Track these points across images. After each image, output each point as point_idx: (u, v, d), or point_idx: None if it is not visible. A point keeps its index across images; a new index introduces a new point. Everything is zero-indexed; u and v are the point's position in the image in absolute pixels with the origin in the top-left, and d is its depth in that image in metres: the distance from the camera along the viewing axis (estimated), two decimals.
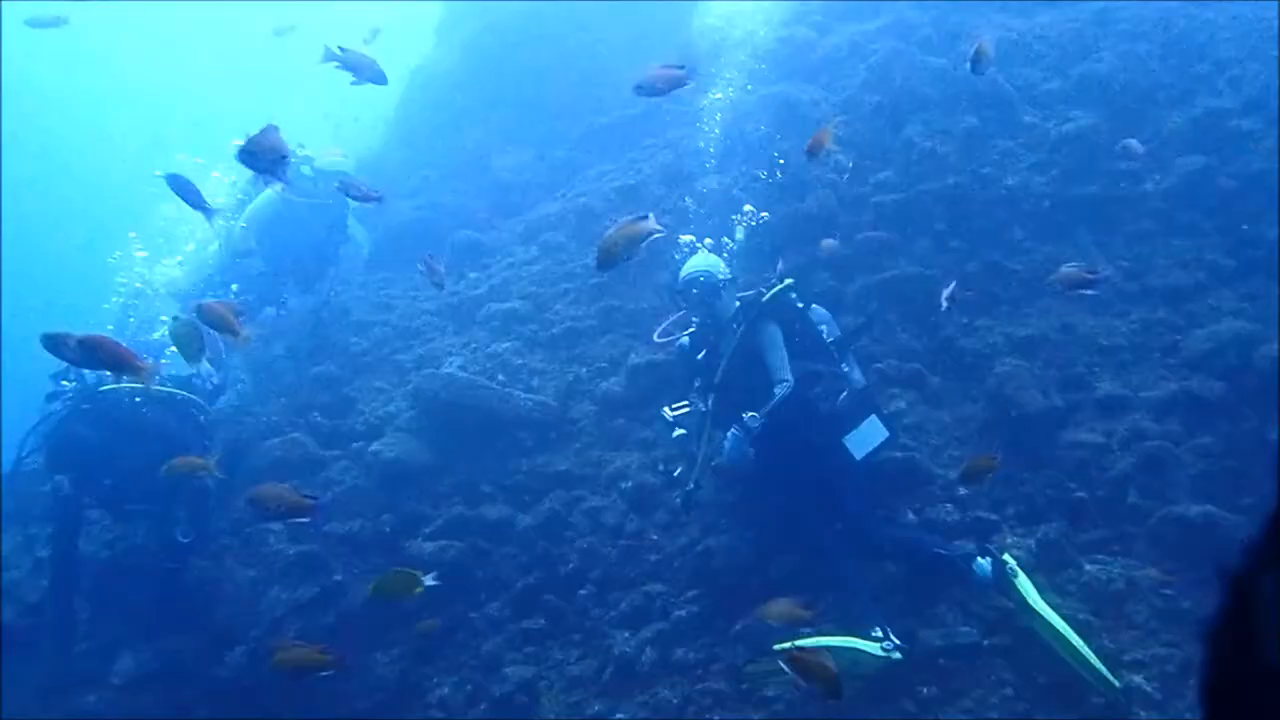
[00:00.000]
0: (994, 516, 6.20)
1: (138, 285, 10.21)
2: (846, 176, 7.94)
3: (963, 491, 6.36)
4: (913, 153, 8.66)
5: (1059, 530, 5.98)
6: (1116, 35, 9.36)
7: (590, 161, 11.87)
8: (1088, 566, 5.78)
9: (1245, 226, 7.49)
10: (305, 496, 5.39)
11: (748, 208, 8.13)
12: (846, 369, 6.49)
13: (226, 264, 10.01)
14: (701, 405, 6.37)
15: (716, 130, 9.99)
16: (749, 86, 10.33)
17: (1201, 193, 7.84)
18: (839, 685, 4.40)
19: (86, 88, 39.25)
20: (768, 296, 6.41)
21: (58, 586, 7.12)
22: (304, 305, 10.29)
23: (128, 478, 6.96)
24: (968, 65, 5.49)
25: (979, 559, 5.45)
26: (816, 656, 4.56)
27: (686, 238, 7.24)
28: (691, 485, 6.39)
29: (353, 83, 5.90)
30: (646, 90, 5.14)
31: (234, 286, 9.74)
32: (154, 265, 10.33)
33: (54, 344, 4.74)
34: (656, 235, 4.77)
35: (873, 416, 6.15)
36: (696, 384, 6.59)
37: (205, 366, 8.33)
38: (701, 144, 9.82)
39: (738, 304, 6.60)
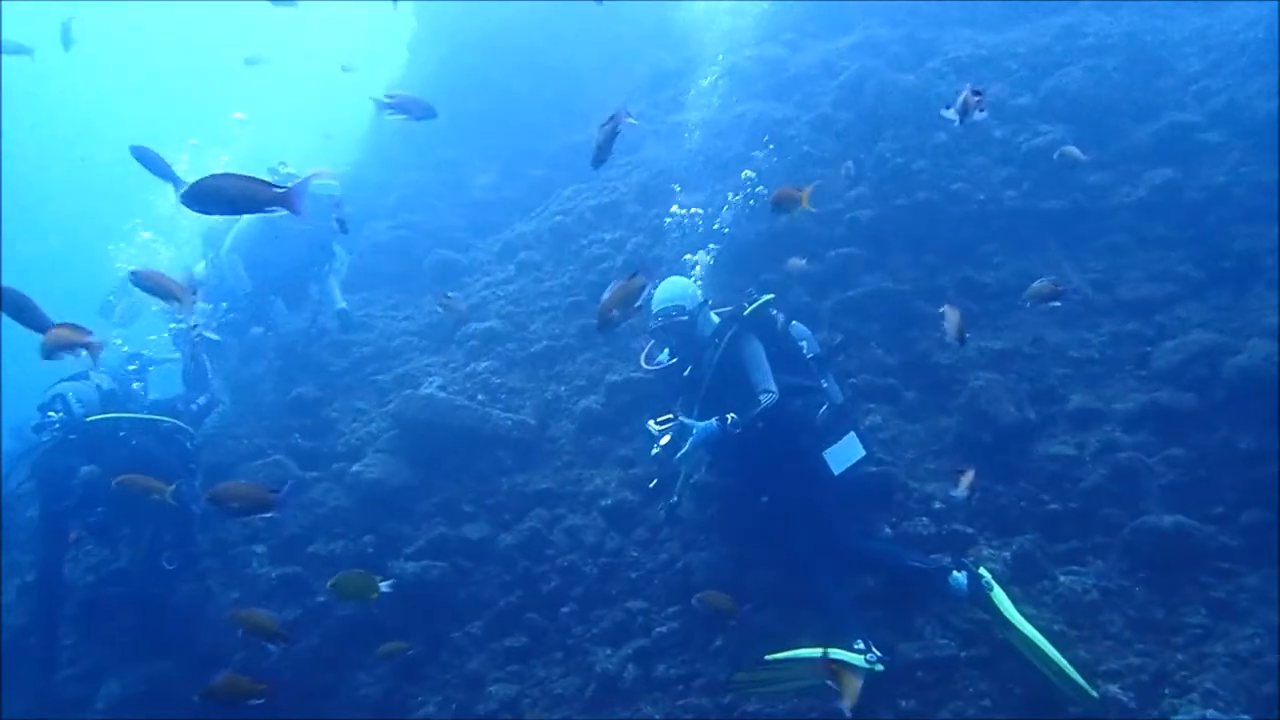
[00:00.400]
0: (969, 530, 6.27)
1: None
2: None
3: (938, 505, 6.44)
4: (885, 169, 8.76)
5: (1033, 542, 6.06)
6: (1083, 50, 9.48)
7: (566, 179, 11.92)
8: (1062, 578, 5.85)
9: (1213, 238, 7.61)
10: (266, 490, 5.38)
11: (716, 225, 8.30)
12: (825, 385, 6.56)
13: (214, 283, 10.00)
14: (685, 420, 6.43)
15: (692, 148, 10.08)
16: (721, 104, 10.43)
17: (1170, 205, 7.96)
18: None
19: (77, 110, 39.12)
20: (749, 310, 6.46)
21: (42, 613, 7.13)
22: (290, 325, 10.28)
23: (116, 506, 6.97)
24: (954, 115, 5.54)
25: (955, 573, 5.51)
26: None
27: (690, 257, 7.33)
28: (674, 499, 6.50)
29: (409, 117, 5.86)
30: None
31: (223, 304, 9.74)
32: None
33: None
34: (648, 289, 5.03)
35: (851, 434, 6.24)
36: (680, 400, 6.65)
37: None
38: (676, 162, 9.89)
39: (716, 320, 6.67)
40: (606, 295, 4.68)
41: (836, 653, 5.31)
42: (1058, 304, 6.39)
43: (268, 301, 10.02)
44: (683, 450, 6.22)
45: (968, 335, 7.24)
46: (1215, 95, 8.61)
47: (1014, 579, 5.84)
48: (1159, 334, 7.20)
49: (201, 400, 8.83)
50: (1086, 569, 5.90)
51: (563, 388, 8.52)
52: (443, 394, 8.18)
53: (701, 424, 6.12)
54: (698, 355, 6.60)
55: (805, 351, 6.63)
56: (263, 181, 3.81)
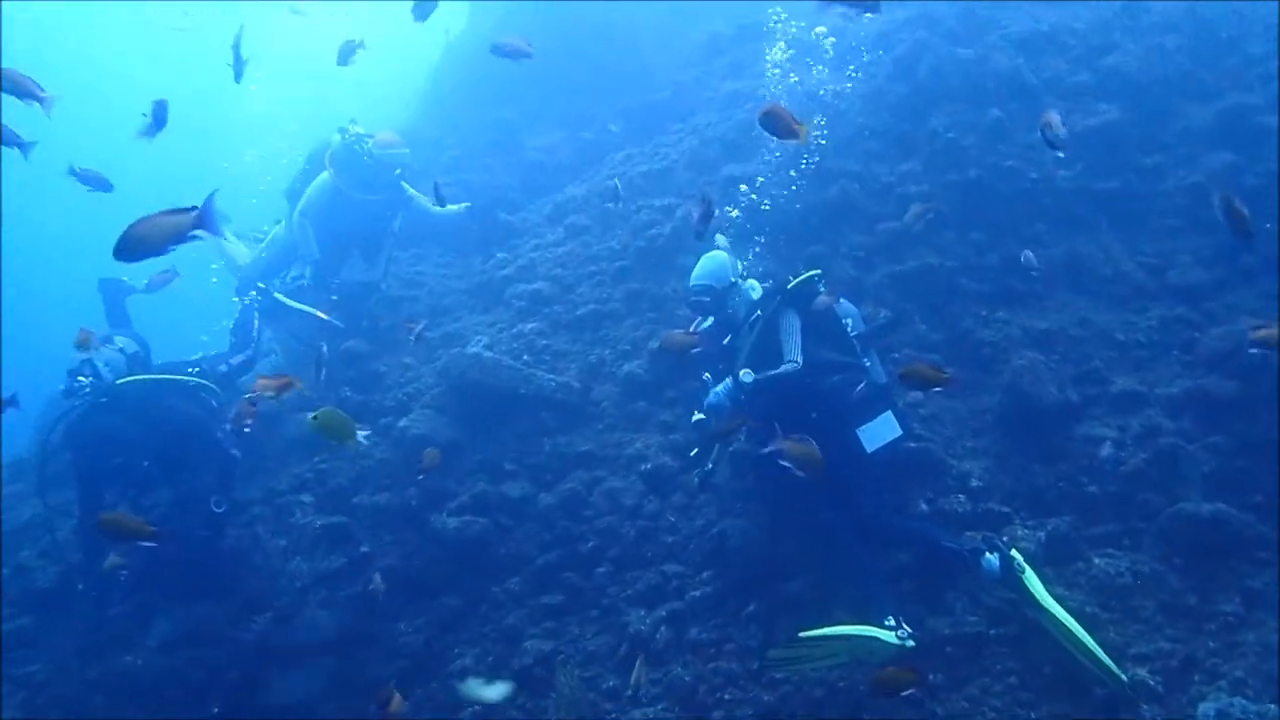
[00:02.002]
0: (1005, 509, 6.31)
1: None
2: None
3: (975, 483, 6.48)
4: (937, 144, 8.72)
5: (1069, 524, 6.09)
6: (1145, 28, 9.36)
7: (618, 143, 11.96)
8: (1096, 560, 5.88)
9: (1269, 225, 7.51)
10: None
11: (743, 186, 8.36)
12: (869, 364, 6.55)
13: (286, 246, 10.24)
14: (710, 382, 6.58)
15: (743, 117, 10.06)
16: (775, 74, 10.39)
17: (1227, 189, 7.85)
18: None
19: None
20: (792, 285, 6.52)
21: (90, 552, 7.39)
22: (359, 279, 10.45)
23: (154, 460, 7.23)
24: (1041, 135, 5.51)
25: (987, 554, 5.53)
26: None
27: (721, 239, 7.37)
28: (709, 466, 6.60)
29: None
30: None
31: (293, 272, 9.93)
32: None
33: None
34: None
35: (888, 413, 6.21)
36: (719, 368, 6.74)
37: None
38: (728, 131, 9.88)
39: (756, 295, 6.75)
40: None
41: (868, 630, 5.39)
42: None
43: (337, 266, 10.20)
44: (699, 414, 6.52)
45: (1001, 314, 7.28)
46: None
47: (1048, 559, 5.89)
48: (1207, 320, 7.16)
49: (237, 359, 9.02)
50: (1121, 552, 5.93)
51: (607, 351, 8.60)
52: (489, 354, 8.29)
53: (712, 395, 6.34)
54: (736, 327, 6.72)
55: (850, 329, 6.63)
56: (180, 210, 4.01)
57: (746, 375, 6.15)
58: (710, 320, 6.98)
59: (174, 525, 7.10)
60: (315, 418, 5.48)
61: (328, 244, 9.94)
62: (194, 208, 4.03)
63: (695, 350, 5.87)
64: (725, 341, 6.80)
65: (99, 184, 7.51)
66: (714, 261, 6.91)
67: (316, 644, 6.99)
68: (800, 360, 6.17)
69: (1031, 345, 7.29)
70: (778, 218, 8.68)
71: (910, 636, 5.35)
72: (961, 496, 6.42)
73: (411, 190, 10.38)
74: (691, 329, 7.14)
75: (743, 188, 8.76)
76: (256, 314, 9.52)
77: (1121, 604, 5.64)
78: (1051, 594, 5.43)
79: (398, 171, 9.98)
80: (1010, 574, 5.44)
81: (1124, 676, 5.07)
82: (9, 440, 9.63)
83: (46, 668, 7.21)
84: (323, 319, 9.44)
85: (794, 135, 5.53)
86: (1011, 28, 9.71)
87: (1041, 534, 6.03)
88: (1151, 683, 5.14)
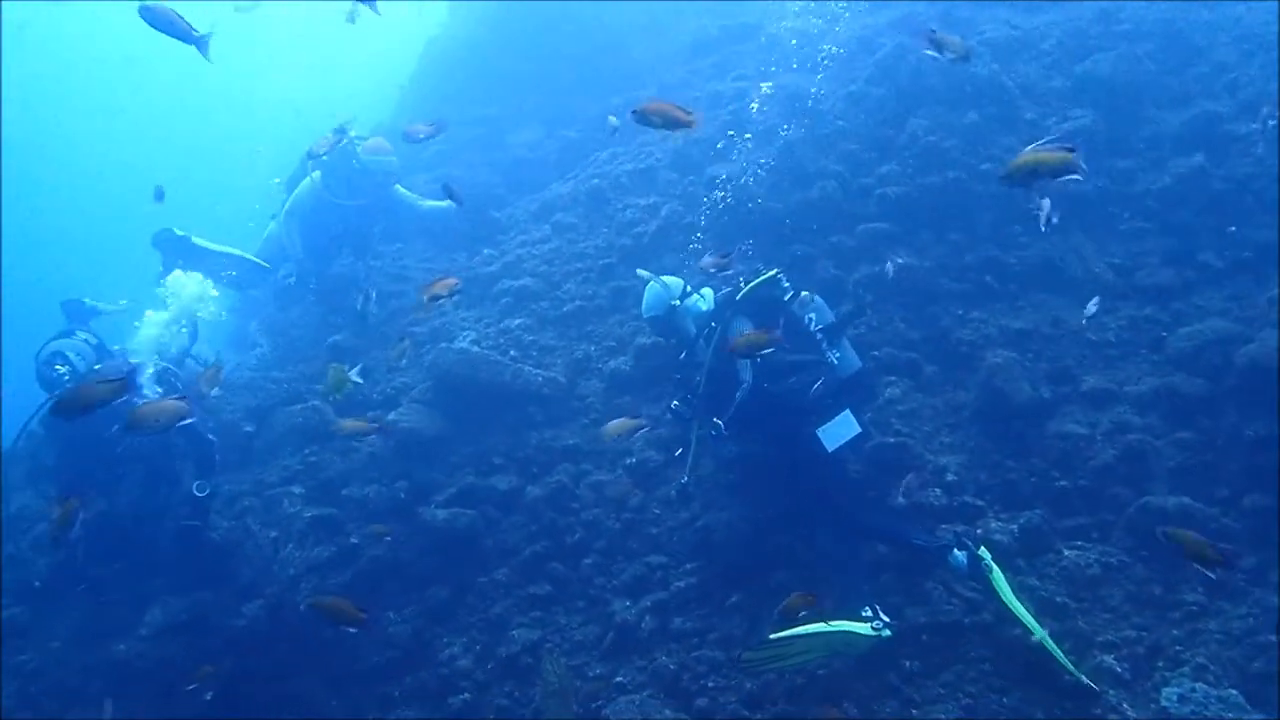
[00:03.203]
0: (980, 502, 6.51)
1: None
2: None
3: (951, 477, 6.67)
4: (916, 146, 8.90)
5: (1041, 516, 6.29)
6: (1118, 35, 9.59)
7: (602, 142, 12.10)
8: (1067, 552, 6.09)
9: (1233, 228, 7.75)
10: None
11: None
12: (836, 356, 6.55)
13: (273, 251, 10.40)
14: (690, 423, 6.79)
15: (726, 118, 10.22)
16: (757, 75, 10.56)
17: (1194, 193, 8.10)
18: None
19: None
20: (742, 293, 6.67)
21: (59, 546, 7.49)
22: (343, 271, 10.60)
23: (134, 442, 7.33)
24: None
25: (955, 551, 5.67)
26: None
27: (641, 272, 7.60)
28: (684, 479, 6.82)
29: None
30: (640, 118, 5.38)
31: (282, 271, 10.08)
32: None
33: None
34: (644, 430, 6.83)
35: (846, 412, 6.25)
36: (684, 380, 6.98)
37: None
38: (711, 131, 10.04)
39: (705, 306, 6.99)
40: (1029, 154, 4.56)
41: (841, 625, 5.51)
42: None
43: (319, 266, 10.34)
44: (690, 455, 6.75)
45: (977, 313, 7.47)
46: (1246, 86, 8.73)
47: (1021, 551, 6.10)
48: (1175, 320, 7.37)
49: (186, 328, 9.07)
50: (1091, 544, 6.15)
51: (593, 347, 8.76)
52: (476, 349, 8.44)
53: (696, 436, 6.65)
54: (691, 343, 6.97)
55: (813, 324, 6.66)
56: (109, 381, 4.63)
57: (717, 428, 6.33)
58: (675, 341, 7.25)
59: (157, 512, 7.23)
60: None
61: (317, 242, 10.09)
62: (120, 378, 4.65)
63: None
64: (681, 358, 7.06)
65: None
66: (649, 293, 7.24)
67: (307, 633, 7.12)
68: (749, 379, 6.29)
69: (1006, 344, 7.49)
70: (760, 219, 8.85)
71: (887, 626, 5.50)
72: (938, 490, 6.60)
73: (402, 189, 10.52)
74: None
75: (719, 194, 8.95)
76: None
77: (1091, 594, 5.85)
78: (1020, 589, 5.62)
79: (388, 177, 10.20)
80: (977, 570, 5.60)
81: (1084, 678, 5.24)
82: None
83: (39, 657, 7.32)
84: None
85: (681, 124, 5.48)
86: (988, 32, 9.94)
87: (1014, 526, 6.22)
88: (1118, 669, 5.34)
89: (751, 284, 6.68)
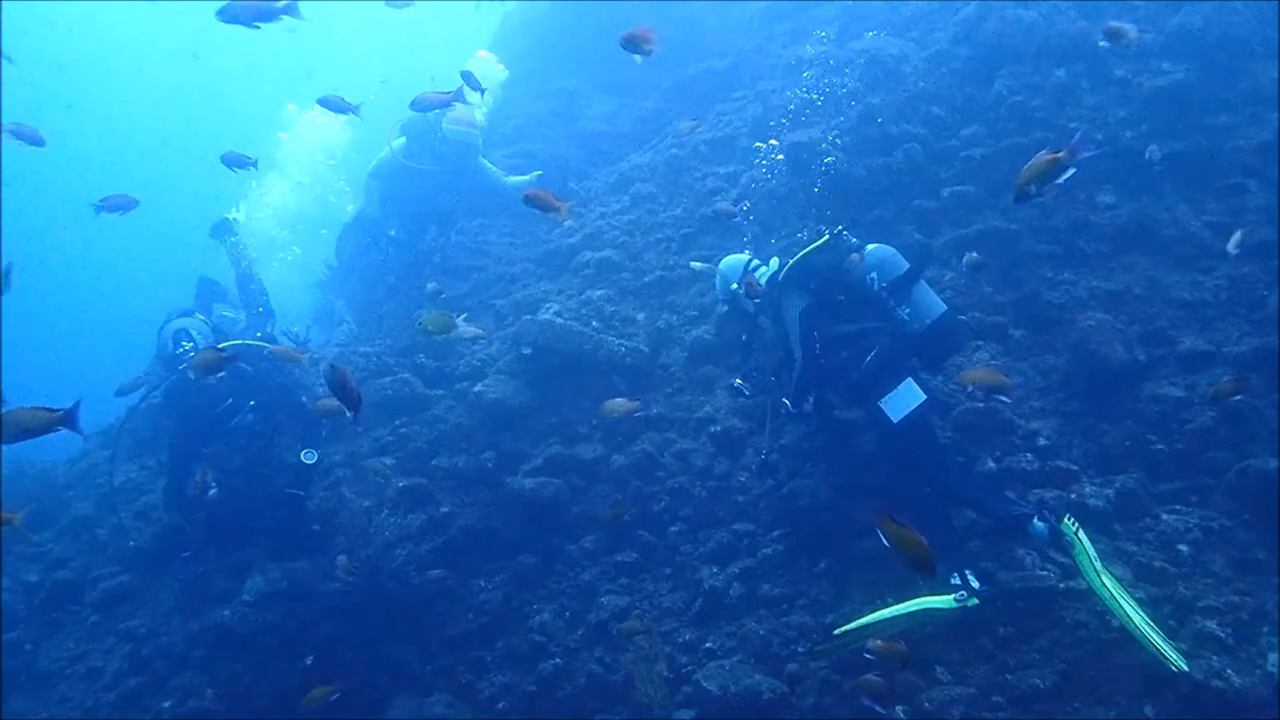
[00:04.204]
0: (1073, 467, 6.39)
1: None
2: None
3: (1043, 441, 6.57)
4: (1001, 107, 8.73)
5: (1137, 481, 6.17)
6: None
7: (680, 112, 12.05)
8: (1165, 516, 5.96)
9: None
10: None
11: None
12: (906, 311, 6.27)
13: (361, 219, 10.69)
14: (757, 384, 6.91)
15: (807, 83, 10.11)
16: (837, 40, 10.42)
17: None
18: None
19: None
20: (784, 270, 6.62)
21: (171, 513, 7.76)
22: (426, 244, 10.79)
23: (253, 416, 7.58)
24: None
25: (1035, 521, 5.50)
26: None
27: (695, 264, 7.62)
28: (764, 454, 6.87)
29: None
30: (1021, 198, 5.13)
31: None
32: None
33: None
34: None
35: (909, 380, 6.03)
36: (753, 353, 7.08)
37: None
38: (791, 98, 9.95)
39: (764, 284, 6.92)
40: (1026, 168, 4.64)
41: (920, 602, 5.51)
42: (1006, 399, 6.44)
43: (405, 236, 10.53)
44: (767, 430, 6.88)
45: (1067, 275, 7.31)
46: None
47: (1117, 516, 5.99)
48: (1276, 279, 7.15)
49: (269, 327, 9.41)
50: (1190, 509, 6.01)
51: (674, 317, 8.78)
52: (560, 320, 8.50)
53: (771, 411, 6.74)
54: (752, 323, 7.08)
55: (875, 283, 6.37)
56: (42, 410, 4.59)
57: (784, 406, 6.42)
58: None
59: (266, 482, 7.45)
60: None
61: (400, 209, 10.28)
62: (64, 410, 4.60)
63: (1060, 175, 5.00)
64: (743, 339, 7.17)
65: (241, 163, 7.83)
66: (716, 278, 7.36)
67: (401, 599, 7.28)
68: (800, 356, 6.26)
69: (1098, 306, 7.32)
70: (843, 183, 8.76)
71: (975, 594, 5.44)
72: (1029, 455, 6.50)
73: (487, 163, 10.62)
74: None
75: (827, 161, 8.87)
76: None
77: (1191, 559, 5.72)
78: (1116, 555, 5.53)
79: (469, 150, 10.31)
80: (1059, 542, 5.41)
81: (1167, 656, 4.97)
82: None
83: (148, 622, 7.59)
84: None
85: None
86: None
87: (1110, 491, 6.12)
88: (1220, 634, 5.23)
89: (801, 252, 6.55)
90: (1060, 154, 4.51)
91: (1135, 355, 6.88)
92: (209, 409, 7.55)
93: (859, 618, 5.68)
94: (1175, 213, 7.81)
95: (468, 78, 8.76)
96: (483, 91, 9.19)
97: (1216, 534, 5.80)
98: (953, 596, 5.45)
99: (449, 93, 8.15)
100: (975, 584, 5.51)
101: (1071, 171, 4.57)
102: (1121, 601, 5.20)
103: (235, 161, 7.74)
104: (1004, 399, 6.15)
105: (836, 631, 5.64)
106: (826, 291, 6.45)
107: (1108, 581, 5.30)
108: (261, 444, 7.82)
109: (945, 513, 6.06)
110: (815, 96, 9.68)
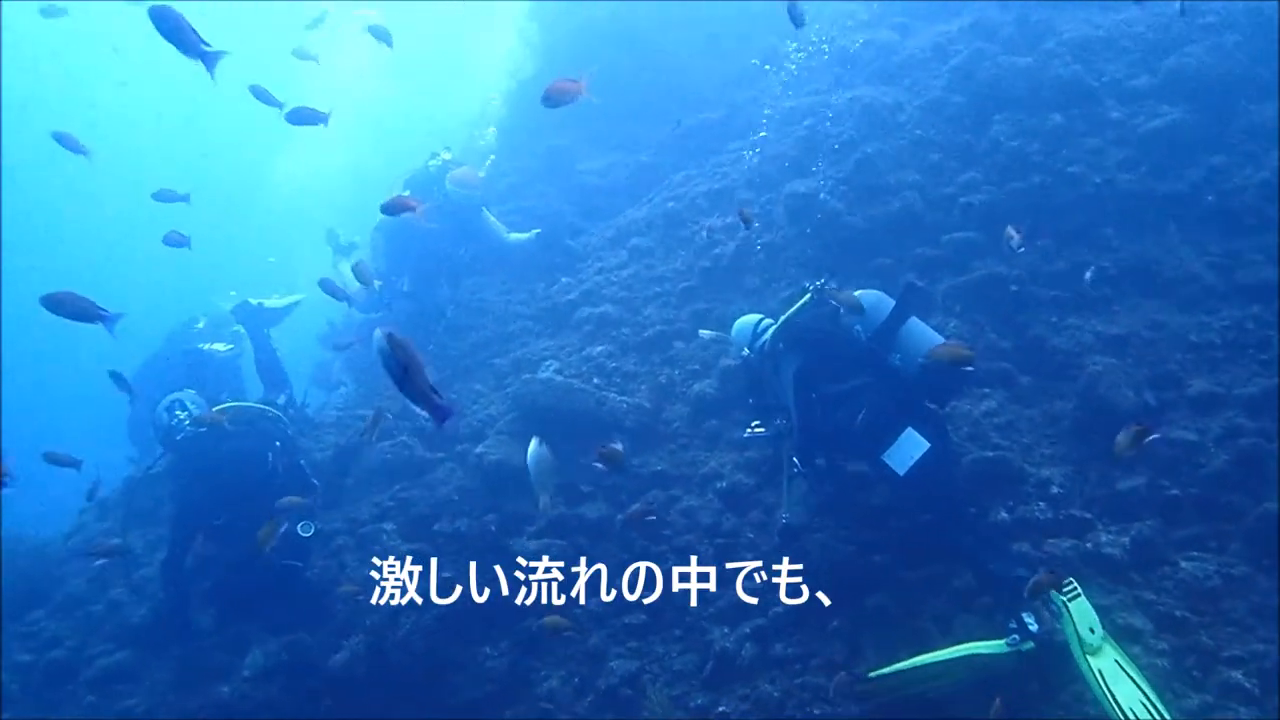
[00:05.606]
0: (1087, 515, 6.28)
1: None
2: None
3: (1055, 490, 6.46)
4: (999, 153, 8.73)
5: (1153, 527, 6.04)
6: (1203, 28, 9.29)
7: (675, 165, 12.08)
8: (1184, 564, 5.84)
9: None
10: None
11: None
12: (897, 357, 6.19)
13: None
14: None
15: (801, 134, 10.13)
16: (832, 89, 10.46)
17: None
18: None
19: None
20: (771, 334, 6.63)
21: (172, 590, 7.66)
22: (430, 301, 10.78)
23: (252, 486, 7.50)
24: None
25: (1025, 617, 5.31)
26: None
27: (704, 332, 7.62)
28: (784, 517, 6.70)
29: None
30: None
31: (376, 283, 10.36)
32: None
33: None
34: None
35: (909, 430, 5.87)
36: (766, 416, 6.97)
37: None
38: (787, 149, 9.96)
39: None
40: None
41: (971, 647, 5.36)
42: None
43: (418, 292, 10.54)
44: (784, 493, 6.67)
45: (1072, 320, 7.28)
46: None
47: (1134, 564, 5.86)
48: (1278, 320, 7.08)
49: (281, 399, 9.39)
50: (1209, 555, 5.88)
51: (676, 372, 8.69)
52: (560, 377, 8.43)
53: (786, 474, 6.57)
54: (758, 383, 7.03)
55: (860, 335, 6.35)
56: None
57: (795, 465, 6.41)
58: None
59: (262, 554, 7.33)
60: None
61: (405, 264, 10.28)
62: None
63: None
64: (750, 403, 7.13)
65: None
66: (731, 344, 7.38)
67: (405, 669, 7.12)
68: (795, 420, 6.25)
69: (1105, 350, 7.25)
70: (842, 232, 8.73)
71: (1032, 638, 5.24)
72: (1042, 504, 6.40)
73: (491, 217, 10.64)
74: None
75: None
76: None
77: (1212, 606, 5.58)
78: (1135, 604, 5.43)
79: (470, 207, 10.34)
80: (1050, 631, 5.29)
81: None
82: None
83: (146, 700, 7.41)
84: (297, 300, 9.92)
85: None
86: (1068, 34, 9.69)
87: (1125, 539, 6.00)
88: (1247, 685, 5.10)
89: (786, 313, 6.54)
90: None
91: (1145, 399, 6.79)
92: (208, 480, 7.48)
93: (899, 661, 5.51)
94: (1177, 254, 7.77)
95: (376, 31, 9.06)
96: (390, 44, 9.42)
97: (1237, 580, 5.67)
98: (1005, 640, 5.27)
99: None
100: (1034, 627, 5.30)
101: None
102: (1106, 686, 4.95)
103: (174, 242, 7.92)
104: (969, 368, 5.95)
105: (872, 674, 5.48)
106: (818, 349, 6.38)
107: (1095, 663, 5.07)
108: (259, 515, 7.72)
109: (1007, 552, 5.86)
110: (811, 147, 9.70)
